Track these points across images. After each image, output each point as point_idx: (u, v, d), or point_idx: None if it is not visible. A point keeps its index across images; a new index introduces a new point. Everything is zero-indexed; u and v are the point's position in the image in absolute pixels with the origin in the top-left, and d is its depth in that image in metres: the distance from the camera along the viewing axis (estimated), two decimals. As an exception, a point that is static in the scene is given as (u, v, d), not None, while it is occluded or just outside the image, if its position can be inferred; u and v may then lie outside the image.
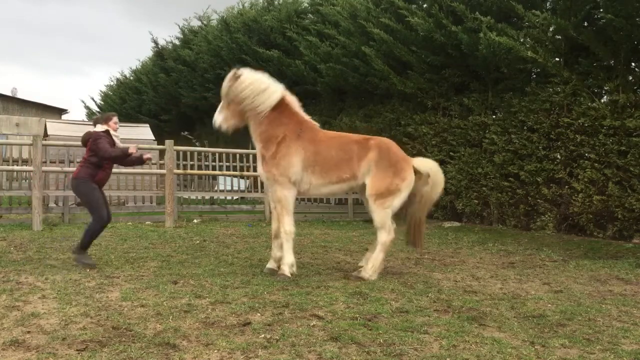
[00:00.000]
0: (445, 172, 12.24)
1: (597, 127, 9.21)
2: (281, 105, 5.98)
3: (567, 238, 9.37)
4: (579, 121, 9.48)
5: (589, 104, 9.38)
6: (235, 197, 14.53)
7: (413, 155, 13.52)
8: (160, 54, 24.55)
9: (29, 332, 3.87)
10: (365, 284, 5.60)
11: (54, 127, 16.33)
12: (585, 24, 9.50)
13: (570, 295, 5.30)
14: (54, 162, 11.69)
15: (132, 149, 6.50)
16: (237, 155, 13.49)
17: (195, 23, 22.81)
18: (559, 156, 10.07)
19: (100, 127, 6.60)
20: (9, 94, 36.96)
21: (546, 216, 10.16)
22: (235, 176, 13.48)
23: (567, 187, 9.80)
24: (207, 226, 10.81)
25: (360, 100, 15.10)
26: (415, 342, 3.75)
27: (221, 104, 6.08)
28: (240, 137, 20.70)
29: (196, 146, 17.23)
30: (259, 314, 4.38)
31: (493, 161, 11.12)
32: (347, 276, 5.98)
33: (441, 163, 12.26)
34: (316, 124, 6.26)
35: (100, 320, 4.15)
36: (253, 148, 15.09)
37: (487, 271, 6.54)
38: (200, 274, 5.90)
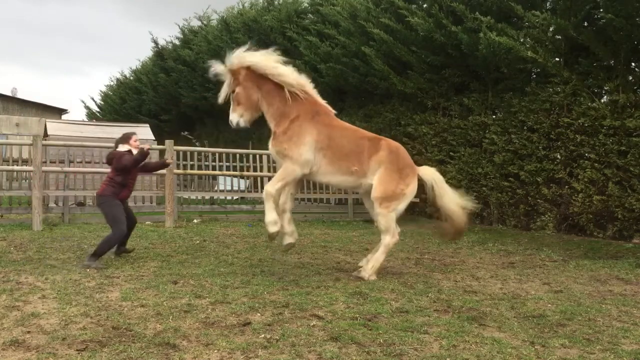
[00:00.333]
0: (445, 172, 12.31)
1: (597, 127, 9.20)
2: (299, 84, 6.03)
3: (567, 238, 9.37)
4: (579, 121, 9.48)
5: (589, 104, 9.38)
6: (235, 197, 14.53)
7: (413, 156, 13.59)
8: (160, 54, 24.54)
9: (29, 332, 3.87)
10: (365, 284, 5.60)
11: (54, 127, 16.35)
12: (585, 24, 9.50)
13: (570, 295, 5.30)
14: (54, 162, 11.68)
15: (147, 146, 7.09)
16: (237, 155, 13.50)
17: (195, 23, 22.83)
18: (559, 156, 10.07)
19: (122, 147, 6.99)
20: (9, 94, 36.95)
21: (546, 216, 10.16)
22: (235, 176, 13.48)
23: (567, 187, 9.80)
24: (207, 226, 10.81)
25: (360, 100, 15.10)
26: (415, 342, 3.75)
27: (231, 105, 6.18)
28: (240, 137, 20.66)
29: (196, 146, 17.22)
30: (259, 314, 4.38)
31: (493, 161, 11.12)
32: (347, 276, 5.98)
33: (441, 163, 12.36)
34: (332, 110, 6.27)
35: (100, 320, 4.15)
36: (253, 148, 15.15)
37: (487, 271, 6.54)
38: (200, 274, 5.90)
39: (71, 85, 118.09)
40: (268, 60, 6.03)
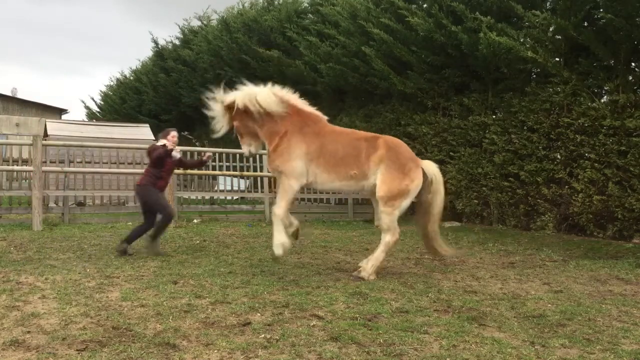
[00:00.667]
0: (445, 172, 12.28)
1: (597, 127, 9.20)
2: (282, 103, 6.03)
3: (567, 238, 9.37)
4: (579, 121, 9.48)
5: (589, 104, 9.38)
6: (235, 197, 14.53)
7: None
8: (160, 54, 24.55)
9: (29, 332, 3.86)
10: (365, 283, 5.60)
11: (54, 127, 16.36)
12: (585, 24, 9.50)
13: (570, 295, 5.30)
14: (54, 162, 11.69)
15: (207, 155, 8.18)
16: (237, 155, 13.48)
17: (195, 23, 22.85)
18: (559, 156, 10.07)
19: (160, 141, 7.47)
20: (9, 94, 36.95)
21: (546, 216, 10.16)
22: (235, 176, 13.48)
23: (567, 187, 9.80)
24: (207, 226, 10.81)
25: (360, 100, 15.10)
26: (415, 342, 3.75)
27: (239, 138, 6.37)
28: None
29: (196, 146, 17.22)
30: (259, 314, 4.38)
31: (493, 161, 11.12)
32: (347, 276, 5.98)
33: (441, 163, 12.31)
34: (324, 117, 6.25)
35: (100, 320, 4.15)
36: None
37: (487, 271, 6.54)
38: (200, 274, 5.90)
39: (71, 85, 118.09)
40: (244, 97, 6.05)
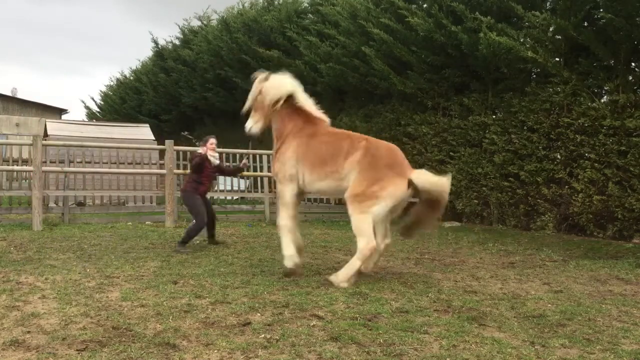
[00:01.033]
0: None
1: (597, 127, 9.21)
2: (293, 103, 6.02)
3: (567, 238, 9.37)
4: (579, 121, 9.48)
5: (589, 104, 9.38)
6: (235, 197, 14.52)
7: (413, 155, 13.53)
8: (160, 54, 24.56)
9: (29, 332, 3.86)
10: (365, 283, 5.59)
11: (54, 127, 16.35)
12: (585, 24, 9.51)
13: (570, 295, 5.30)
14: (54, 162, 11.69)
15: (244, 162, 8.56)
16: (237, 155, 13.47)
17: (195, 23, 22.85)
18: (559, 156, 10.08)
19: (200, 149, 8.07)
20: (9, 94, 36.96)
21: (546, 216, 10.16)
22: (235, 176, 13.46)
23: (567, 187, 9.80)
24: (207, 226, 10.79)
25: (360, 100, 15.10)
26: (415, 342, 3.75)
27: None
28: (239, 137, 20.59)
29: (196, 146, 17.21)
30: (259, 314, 4.37)
31: (493, 161, 11.13)
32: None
33: (441, 163, 12.37)
34: (326, 120, 6.18)
35: (100, 320, 4.15)
36: (253, 148, 15.15)
37: (487, 271, 6.54)
38: (200, 274, 5.89)
39: (71, 85, 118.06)
40: (266, 82, 6.09)
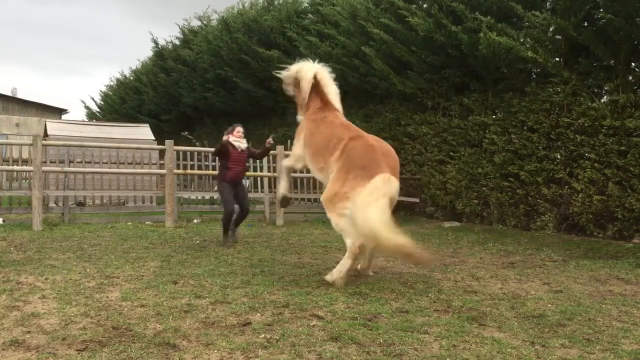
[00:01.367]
0: (445, 172, 12.29)
1: (597, 127, 9.20)
2: (317, 89, 6.31)
3: (567, 238, 9.37)
4: (579, 121, 9.48)
5: (589, 104, 9.38)
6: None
7: (413, 155, 13.53)
8: (160, 54, 24.55)
9: (29, 332, 3.87)
10: (365, 284, 5.59)
11: (54, 127, 16.34)
12: (585, 24, 9.50)
13: (570, 295, 5.30)
14: (54, 162, 11.69)
15: (269, 141, 8.38)
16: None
17: (195, 23, 22.82)
18: (559, 156, 10.07)
19: (225, 137, 8.27)
20: (9, 94, 36.96)
21: (546, 216, 10.16)
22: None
23: (567, 187, 9.79)
24: (207, 226, 10.81)
25: (360, 100, 15.09)
26: (415, 342, 3.75)
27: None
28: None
29: (196, 146, 17.21)
30: (259, 314, 4.38)
31: (493, 161, 11.12)
32: (347, 276, 5.97)
33: (441, 163, 12.38)
34: (337, 108, 6.31)
35: (100, 320, 4.15)
36: (252, 147, 15.12)
37: (487, 271, 6.54)
38: (200, 274, 5.90)
39: (71, 85, 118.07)
40: (296, 69, 6.53)
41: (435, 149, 12.54)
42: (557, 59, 9.96)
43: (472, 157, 11.61)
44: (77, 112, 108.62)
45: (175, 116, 24.41)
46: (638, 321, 4.42)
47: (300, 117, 6.61)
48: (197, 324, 4.09)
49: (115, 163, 12.09)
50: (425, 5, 12.01)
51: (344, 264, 5.52)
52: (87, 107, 34.67)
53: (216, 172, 12.92)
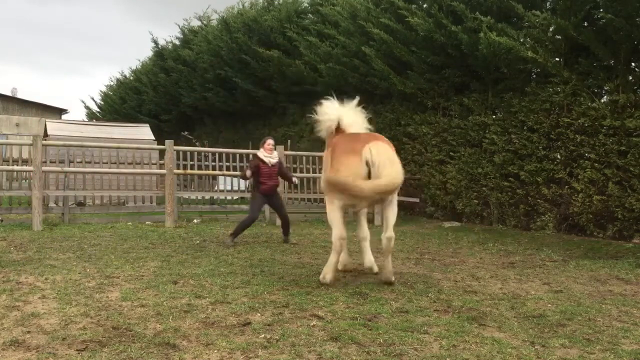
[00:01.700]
0: (445, 172, 12.29)
1: (597, 127, 9.21)
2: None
3: (567, 238, 9.37)
4: (579, 121, 9.48)
5: (589, 104, 9.38)
6: (235, 197, 14.52)
7: (413, 155, 13.51)
8: (160, 54, 24.56)
9: (29, 332, 3.87)
10: (365, 283, 5.60)
11: (54, 127, 16.34)
12: (585, 24, 9.50)
13: (570, 295, 5.30)
14: (54, 162, 11.69)
15: (272, 160, 8.45)
16: (237, 155, 13.48)
17: (195, 23, 22.86)
18: (559, 156, 10.07)
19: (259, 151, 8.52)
20: (9, 94, 36.96)
21: (546, 216, 10.16)
22: (235, 176, 13.46)
23: (567, 187, 9.79)
24: (207, 226, 10.81)
25: (360, 100, 15.08)
26: (415, 342, 3.75)
27: None
28: (240, 137, 20.61)
29: (196, 146, 17.22)
30: (259, 314, 4.38)
31: (493, 161, 11.13)
32: (347, 276, 5.97)
33: (441, 163, 12.38)
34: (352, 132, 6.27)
35: (100, 320, 4.15)
36: (253, 148, 15.14)
37: (487, 271, 6.54)
38: (200, 274, 5.90)
39: (71, 85, 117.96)
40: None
41: (435, 149, 12.54)
42: (557, 59, 9.96)
43: (472, 157, 11.61)
44: (77, 112, 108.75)
45: (175, 116, 24.42)
46: (638, 321, 4.42)
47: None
48: (197, 324, 4.09)
49: (115, 163, 12.09)
50: (425, 5, 12.02)
51: (330, 260, 5.63)
52: (87, 107, 34.74)
53: (216, 172, 13.10)
